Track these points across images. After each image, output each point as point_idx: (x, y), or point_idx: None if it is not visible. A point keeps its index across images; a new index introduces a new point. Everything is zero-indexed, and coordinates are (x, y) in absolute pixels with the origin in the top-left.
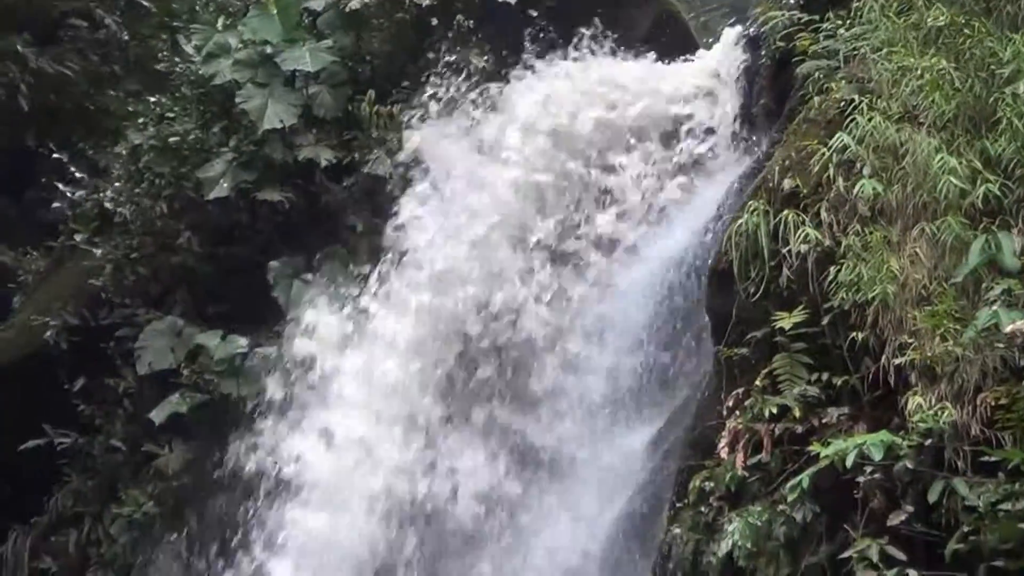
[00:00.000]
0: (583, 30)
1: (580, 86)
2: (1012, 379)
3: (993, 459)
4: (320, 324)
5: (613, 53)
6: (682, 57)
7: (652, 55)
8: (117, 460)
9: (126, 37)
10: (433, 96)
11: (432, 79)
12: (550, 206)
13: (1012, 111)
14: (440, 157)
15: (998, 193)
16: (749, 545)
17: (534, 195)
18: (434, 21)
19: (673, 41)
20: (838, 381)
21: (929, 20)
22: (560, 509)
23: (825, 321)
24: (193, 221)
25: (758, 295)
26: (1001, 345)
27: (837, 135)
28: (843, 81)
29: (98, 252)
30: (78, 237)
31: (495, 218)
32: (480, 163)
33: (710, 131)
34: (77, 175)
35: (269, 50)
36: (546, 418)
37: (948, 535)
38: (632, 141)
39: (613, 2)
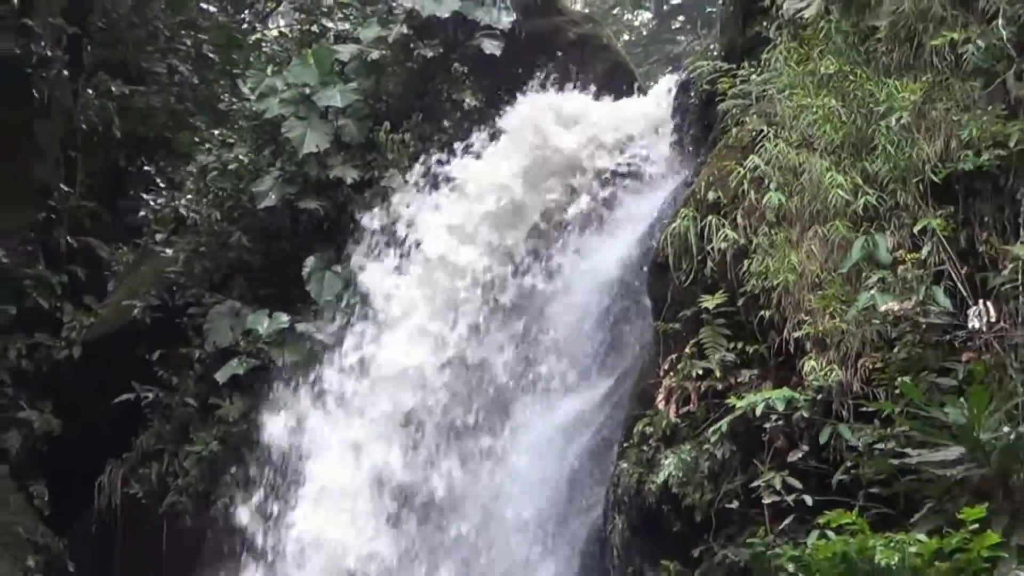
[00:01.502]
0: (555, 75)
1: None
2: (885, 347)
3: (870, 410)
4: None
5: (577, 91)
6: (630, 97)
7: (607, 96)
8: (189, 410)
9: (196, 81)
10: (439, 127)
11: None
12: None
13: (886, 139)
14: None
15: (875, 203)
16: (680, 476)
17: (530, 177)
18: (436, 69)
19: (623, 85)
20: (750, 349)
21: (822, 69)
22: (543, 431)
23: (740, 302)
24: (247, 225)
25: (688, 282)
26: (877, 321)
27: (750, 157)
28: (754, 116)
29: (169, 251)
30: (158, 236)
31: (491, 200)
32: (480, 168)
33: (651, 156)
34: (158, 188)
35: (308, 91)
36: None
37: (834, 469)
38: (598, 152)
39: (578, 56)
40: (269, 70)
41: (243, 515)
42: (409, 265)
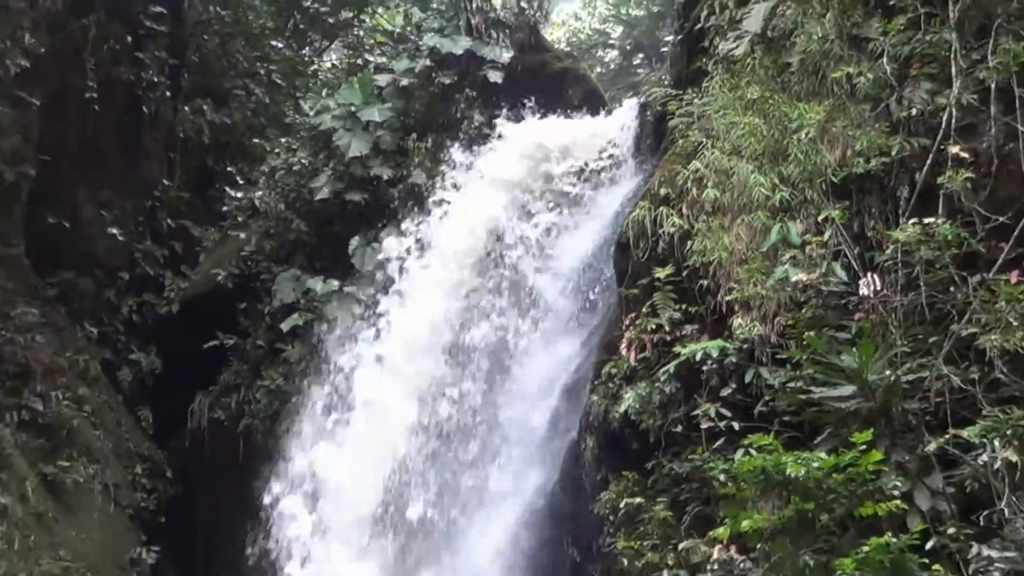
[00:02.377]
0: (543, 99)
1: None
2: (795, 309)
3: (783, 357)
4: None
5: (560, 112)
6: (600, 116)
7: (585, 114)
8: (260, 353)
9: (267, 101)
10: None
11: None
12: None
13: (797, 149)
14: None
15: (788, 198)
16: (638, 406)
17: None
18: (452, 93)
19: (594, 106)
20: (692, 310)
21: (748, 94)
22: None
23: (684, 274)
24: (305, 212)
25: (644, 258)
26: (789, 289)
27: (692, 162)
28: (696, 130)
29: (243, 234)
30: (240, 220)
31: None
32: (488, 164)
33: (618, 160)
34: (238, 184)
35: (353, 109)
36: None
37: (756, 402)
38: (577, 157)
39: (558, 84)
40: (324, 93)
41: (306, 428)
42: (431, 240)
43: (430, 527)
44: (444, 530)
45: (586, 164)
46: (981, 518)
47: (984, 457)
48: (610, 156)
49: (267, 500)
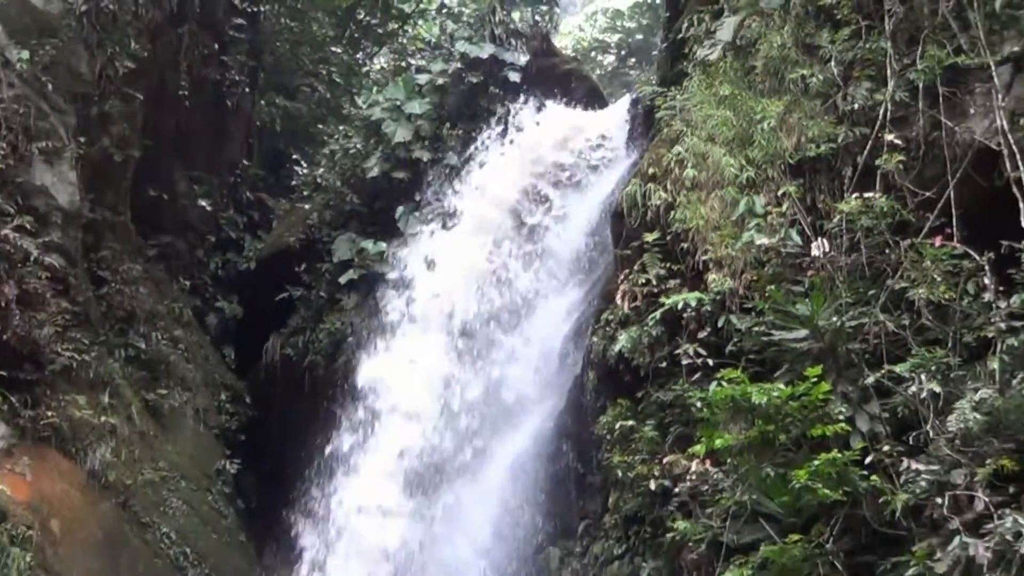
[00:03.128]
0: (556, 91)
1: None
2: (759, 267)
3: (749, 306)
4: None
5: (567, 106)
6: (601, 109)
7: (588, 108)
8: (322, 302)
9: (328, 96)
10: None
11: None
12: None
13: (761, 136)
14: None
15: (753, 176)
16: (630, 346)
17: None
18: (478, 90)
19: (596, 102)
20: (674, 267)
21: (721, 92)
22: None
23: (668, 238)
24: (359, 188)
25: (636, 225)
26: (754, 251)
27: (675, 147)
28: (678, 121)
29: (307, 206)
30: (305, 193)
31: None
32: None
33: (615, 145)
34: (303, 164)
35: (398, 103)
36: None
37: (726, 343)
38: (580, 143)
39: (565, 82)
40: (374, 90)
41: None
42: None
43: (470, 432)
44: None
45: (584, 149)
46: (910, 438)
47: (913, 388)
48: (606, 142)
49: (329, 418)
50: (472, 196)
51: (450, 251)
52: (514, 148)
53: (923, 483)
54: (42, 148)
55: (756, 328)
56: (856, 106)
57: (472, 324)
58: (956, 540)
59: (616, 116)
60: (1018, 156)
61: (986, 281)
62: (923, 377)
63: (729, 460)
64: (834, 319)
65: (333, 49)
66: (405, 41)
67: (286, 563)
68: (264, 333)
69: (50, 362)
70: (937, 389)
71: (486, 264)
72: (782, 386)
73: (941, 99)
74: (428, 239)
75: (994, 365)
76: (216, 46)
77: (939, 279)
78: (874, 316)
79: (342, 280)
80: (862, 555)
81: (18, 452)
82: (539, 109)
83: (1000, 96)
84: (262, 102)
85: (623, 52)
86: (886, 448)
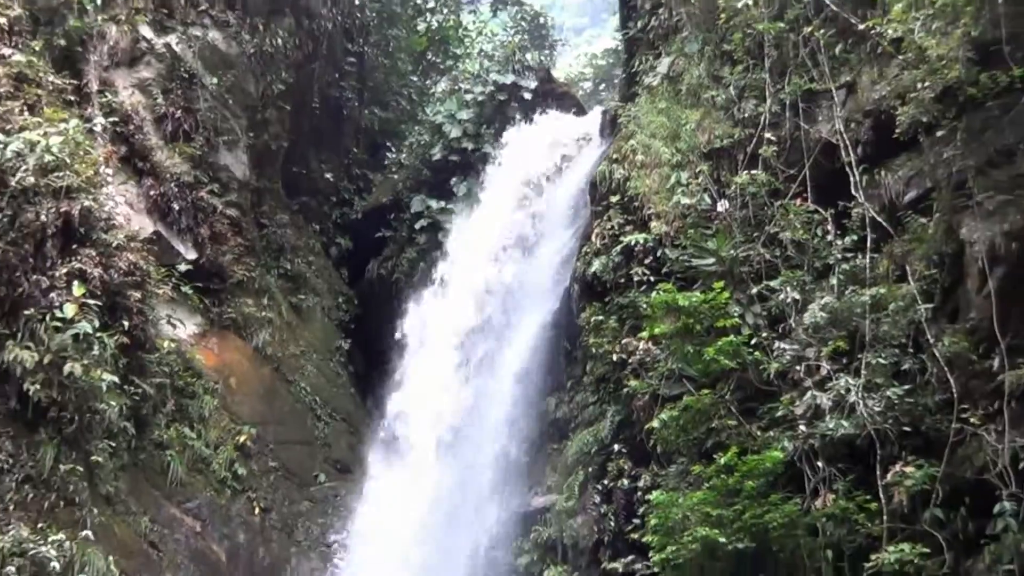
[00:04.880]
0: (554, 105)
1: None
2: (683, 218)
3: (677, 243)
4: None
5: (561, 113)
6: (583, 116)
7: (574, 116)
8: (403, 239)
9: (408, 107)
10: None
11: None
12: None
13: (685, 134)
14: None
15: (680, 160)
16: (601, 268)
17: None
18: (504, 103)
19: (580, 112)
20: (630, 218)
21: (659, 106)
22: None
23: (625, 199)
24: (428, 166)
25: (605, 191)
26: (680, 208)
27: (630, 140)
28: (632, 124)
29: (396, 177)
30: (393, 169)
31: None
32: (530, 136)
33: (592, 139)
34: (392, 150)
35: (452, 112)
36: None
37: (663, 266)
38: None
39: (561, 99)
40: (437, 104)
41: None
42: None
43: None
44: (504, 325)
45: (570, 142)
46: (780, 328)
47: (782, 296)
48: (586, 138)
49: (405, 312)
50: (498, 172)
51: (487, 205)
52: (531, 137)
53: (787, 357)
54: (225, 140)
55: (681, 257)
56: (746, 115)
57: (500, 250)
58: (808, 393)
59: (593, 121)
60: (849, 147)
61: (829, 228)
62: (788, 289)
63: (664, 341)
64: (731, 252)
65: (411, 77)
66: (457, 73)
67: (379, 407)
68: (366, 259)
69: (230, 277)
70: (797, 296)
71: (510, 213)
72: (698, 294)
73: (800, 111)
74: (471, 197)
75: (833, 281)
76: (336, 75)
77: (799, 226)
78: (757, 250)
79: (416, 226)
80: (749, 403)
81: (209, 335)
82: (542, 114)
83: (838, 109)
84: (365, 111)
85: (597, 80)
86: (764, 334)
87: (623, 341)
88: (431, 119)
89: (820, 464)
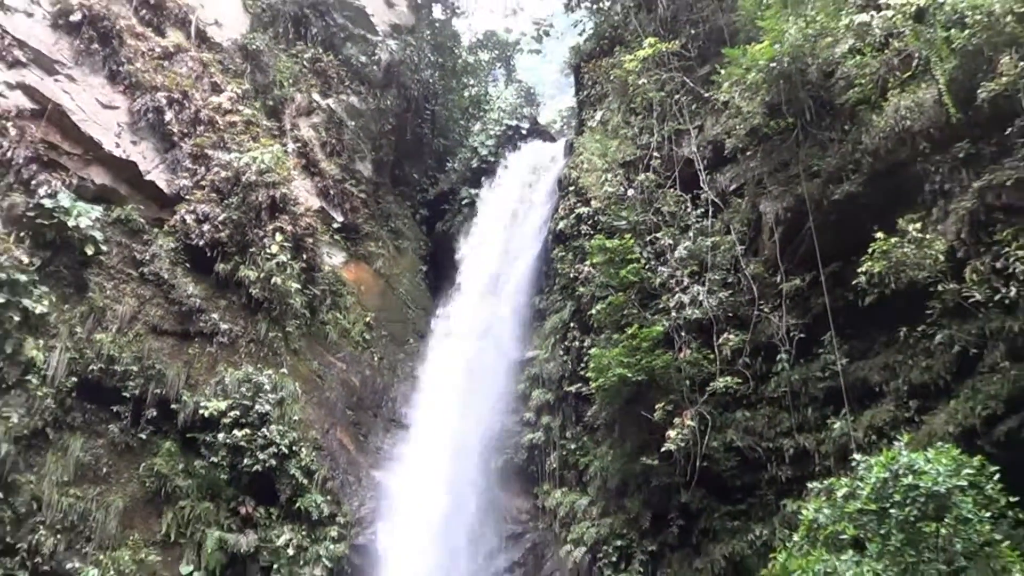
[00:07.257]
0: (537, 137)
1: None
2: (609, 198)
3: (607, 212)
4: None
5: (543, 142)
6: (554, 143)
7: (548, 141)
8: (455, 211)
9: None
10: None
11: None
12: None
13: (610, 152)
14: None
15: (608, 167)
16: (564, 226)
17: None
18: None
19: (552, 141)
20: (579, 199)
21: (596, 137)
22: (534, 214)
23: (577, 188)
24: (467, 169)
25: (567, 186)
26: (608, 193)
27: (581, 155)
28: (583, 148)
29: (453, 176)
30: (447, 170)
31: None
32: (524, 155)
33: (558, 157)
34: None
35: (483, 139)
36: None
37: (599, 223)
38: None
39: (542, 134)
40: (474, 137)
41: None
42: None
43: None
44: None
45: (546, 158)
46: (662, 259)
47: (663, 242)
48: (555, 157)
49: (457, 250)
50: (506, 175)
51: (499, 194)
52: (523, 156)
53: (665, 275)
54: (358, 155)
55: (608, 220)
56: (643, 143)
57: (508, 218)
58: (677, 295)
59: (560, 146)
60: (699, 161)
61: (688, 206)
62: (666, 238)
63: (598, 266)
64: (635, 217)
65: (460, 122)
66: (485, 119)
67: (443, 303)
68: (435, 221)
69: (361, 230)
70: (671, 242)
71: (513, 199)
72: (616, 241)
73: (673, 140)
74: (492, 187)
75: (691, 234)
76: (419, 120)
77: (672, 204)
78: (649, 217)
79: (462, 204)
80: (644, 301)
81: (349, 263)
82: (531, 143)
83: (693, 140)
84: (435, 140)
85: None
86: (653, 263)
87: (576, 266)
88: (471, 144)
89: (683, 334)
